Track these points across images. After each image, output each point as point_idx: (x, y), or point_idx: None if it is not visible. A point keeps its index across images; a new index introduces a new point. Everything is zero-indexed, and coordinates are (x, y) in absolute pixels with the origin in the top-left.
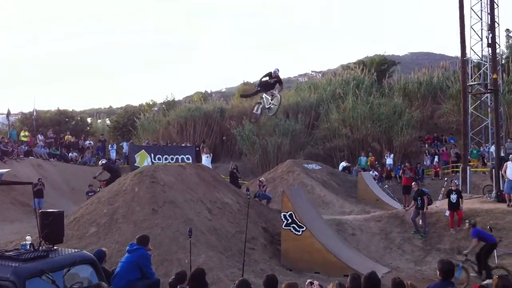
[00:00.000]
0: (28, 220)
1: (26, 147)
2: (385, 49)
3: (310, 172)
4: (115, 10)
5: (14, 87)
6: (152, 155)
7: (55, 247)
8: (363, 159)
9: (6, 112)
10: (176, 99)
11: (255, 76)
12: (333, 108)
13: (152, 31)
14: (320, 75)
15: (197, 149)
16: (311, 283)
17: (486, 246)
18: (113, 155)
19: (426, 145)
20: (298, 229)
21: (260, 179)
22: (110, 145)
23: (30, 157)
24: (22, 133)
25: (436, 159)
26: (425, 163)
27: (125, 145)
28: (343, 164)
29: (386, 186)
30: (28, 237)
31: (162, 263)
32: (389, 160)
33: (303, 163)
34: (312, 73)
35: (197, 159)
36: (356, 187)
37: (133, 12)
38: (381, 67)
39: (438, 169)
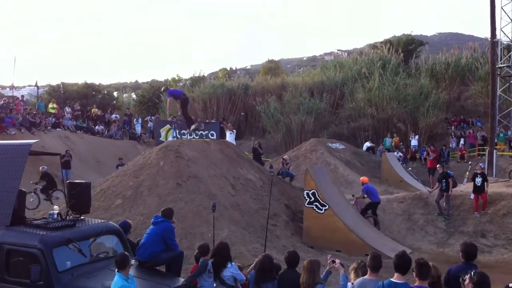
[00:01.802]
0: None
1: (54, 119)
2: (413, 29)
3: (334, 151)
4: None
5: (42, 60)
6: (177, 130)
7: (82, 217)
8: (388, 140)
9: (34, 84)
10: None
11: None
12: (359, 88)
13: (179, 10)
14: (346, 54)
15: (221, 125)
16: (333, 261)
17: None
18: (138, 129)
19: (452, 127)
20: (321, 208)
21: (284, 157)
22: (135, 119)
23: (58, 129)
24: (50, 105)
25: (462, 141)
26: (451, 146)
27: (149, 119)
28: (367, 144)
29: (409, 168)
30: (55, 207)
31: (185, 236)
32: (414, 142)
33: (327, 142)
34: (338, 52)
35: (221, 135)
36: (379, 168)
37: None
38: (408, 47)
39: (464, 152)
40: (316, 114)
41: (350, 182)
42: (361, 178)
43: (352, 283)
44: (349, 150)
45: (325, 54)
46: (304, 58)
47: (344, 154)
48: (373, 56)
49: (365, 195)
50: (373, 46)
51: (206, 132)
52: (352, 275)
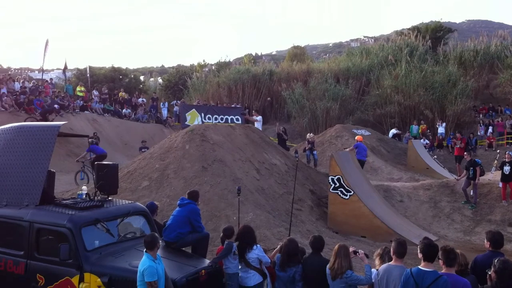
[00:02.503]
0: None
1: (82, 102)
2: (441, 16)
3: None
4: None
5: (70, 43)
6: (203, 114)
7: (109, 198)
8: (414, 127)
9: (63, 67)
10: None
11: (306, 39)
12: (385, 75)
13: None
14: (373, 40)
15: (246, 110)
16: (355, 252)
17: None
18: (164, 113)
19: (481, 115)
20: (346, 193)
21: (309, 135)
22: (162, 103)
23: (86, 112)
24: (78, 88)
25: (490, 129)
26: (478, 134)
27: (174, 103)
28: (393, 131)
29: (435, 156)
30: (84, 187)
31: (211, 218)
32: (441, 129)
33: (352, 128)
34: (364, 38)
35: (246, 120)
36: (405, 155)
37: None
38: (436, 34)
39: (492, 140)
40: (342, 100)
41: (375, 169)
42: (357, 136)
43: (377, 269)
44: (375, 137)
45: (351, 40)
46: (330, 44)
47: (369, 141)
48: (400, 43)
49: (352, 149)
50: (400, 33)
51: (231, 116)
52: (376, 261)
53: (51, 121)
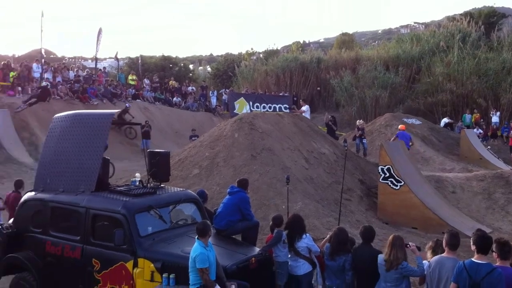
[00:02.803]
0: (136, 159)
1: (134, 91)
2: (495, 1)
3: (410, 126)
4: None
5: (122, 33)
6: (251, 103)
7: (162, 185)
8: (467, 116)
9: (114, 56)
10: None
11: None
12: (437, 62)
13: None
14: (423, 26)
15: (294, 98)
16: (406, 245)
17: None
18: (213, 101)
19: None
20: (396, 184)
21: (359, 121)
22: (210, 92)
23: (137, 100)
24: (130, 77)
25: None
26: None
27: (223, 92)
28: (445, 120)
29: (489, 147)
30: (137, 174)
31: (260, 207)
32: (495, 118)
33: (402, 117)
34: (415, 25)
35: (297, 105)
36: (458, 145)
37: None
38: (489, 19)
39: None
40: (391, 88)
41: (426, 159)
42: (400, 125)
43: (429, 261)
44: (426, 126)
45: (401, 26)
46: (379, 31)
47: (420, 130)
48: (452, 29)
49: (394, 138)
50: (452, 19)
51: (279, 105)
52: (428, 254)
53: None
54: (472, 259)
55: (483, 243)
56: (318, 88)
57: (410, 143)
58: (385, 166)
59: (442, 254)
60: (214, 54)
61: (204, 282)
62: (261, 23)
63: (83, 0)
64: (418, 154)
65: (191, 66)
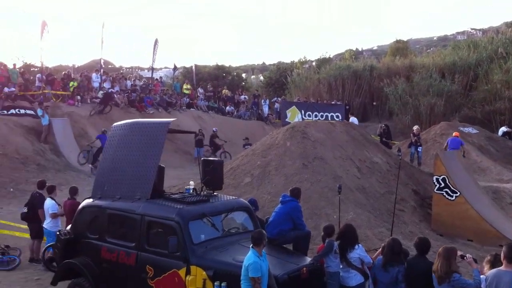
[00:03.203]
0: (190, 167)
1: (188, 99)
2: None
3: (466, 135)
4: None
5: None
6: (303, 111)
7: (215, 193)
8: None
9: (172, 66)
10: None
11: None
12: (495, 69)
13: None
14: (481, 33)
15: (347, 107)
16: (463, 257)
17: None
18: (265, 110)
19: None
20: (451, 194)
21: (415, 127)
22: (263, 100)
23: (191, 109)
24: (184, 86)
25: None
26: None
27: (275, 100)
28: (504, 129)
29: None
30: (191, 182)
31: (311, 216)
32: None
33: (458, 126)
34: (472, 31)
35: (347, 117)
36: None
37: None
38: None
39: None
40: (447, 96)
41: (483, 169)
42: (454, 132)
43: (486, 275)
44: (483, 135)
45: (457, 33)
46: (434, 38)
47: (477, 139)
48: (511, 35)
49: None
50: (511, 24)
51: (332, 114)
52: (486, 268)
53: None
54: None
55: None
56: (375, 103)
57: (462, 150)
58: (440, 176)
59: (500, 268)
60: (267, 63)
61: None
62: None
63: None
64: (474, 164)
65: (243, 75)
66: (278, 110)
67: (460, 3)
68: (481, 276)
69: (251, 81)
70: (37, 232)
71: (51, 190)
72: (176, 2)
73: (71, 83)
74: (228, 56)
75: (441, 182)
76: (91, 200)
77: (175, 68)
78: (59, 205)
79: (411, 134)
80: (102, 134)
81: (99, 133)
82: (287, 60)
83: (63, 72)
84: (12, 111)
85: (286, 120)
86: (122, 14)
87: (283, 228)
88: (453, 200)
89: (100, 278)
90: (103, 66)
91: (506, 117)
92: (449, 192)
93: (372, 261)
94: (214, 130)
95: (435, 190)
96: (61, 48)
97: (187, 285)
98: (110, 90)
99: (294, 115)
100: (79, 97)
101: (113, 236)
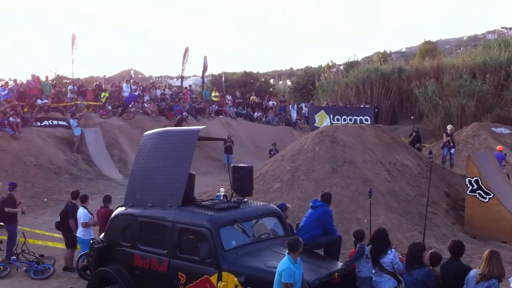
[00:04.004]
0: (219, 174)
1: (217, 107)
2: None
3: (499, 136)
4: None
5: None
6: (331, 115)
7: (245, 199)
8: None
9: (200, 74)
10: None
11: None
12: None
13: None
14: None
15: (376, 110)
16: None
17: None
18: (293, 115)
19: None
20: (485, 196)
21: (449, 126)
22: (290, 106)
23: (220, 116)
24: (213, 93)
25: None
26: None
27: (303, 106)
28: None
29: None
30: (221, 189)
31: (341, 221)
32: None
33: (491, 127)
34: (502, 30)
35: (376, 120)
36: None
37: None
38: None
39: None
40: (478, 96)
41: None
42: (498, 146)
43: None
44: None
45: (488, 32)
46: (464, 38)
47: (510, 140)
48: None
49: None
50: None
51: (360, 117)
52: None
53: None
54: None
55: None
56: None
57: (504, 163)
58: (473, 178)
59: None
60: (294, 68)
61: None
62: (341, 35)
63: (80, 0)
64: (507, 164)
65: (271, 81)
66: (306, 114)
67: (490, 1)
68: None
69: (278, 87)
70: (71, 241)
71: (84, 200)
72: (176, 2)
73: (102, 94)
74: (255, 62)
75: (473, 184)
76: (123, 208)
77: (203, 76)
78: (91, 214)
79: (444, 134)
80: None
81: (130, 142)
82: (314, 65)
83: (94, 83)
84: (45, 122)
85: (315, 125)
86: (123, 14)
87: (314, 233)
88: (486, 202)
89: (133, 285)
90: (133, 76)
91: None
92: (482, 193)
93: (402, 267)
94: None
95: (467, 192)
96: (92, 59)
97: None
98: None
99: (323, 120)
100: (110, 107)
101: (145, 244)
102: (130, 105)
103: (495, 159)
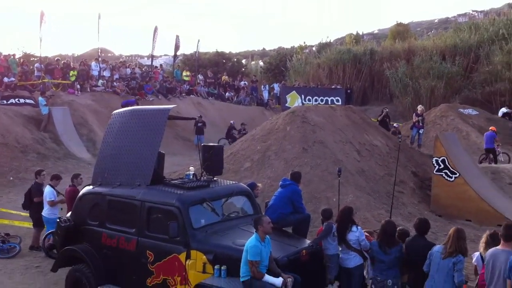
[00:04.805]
0: (189, 154)
1: (188, 86)
2: None
3: (466, 117)
4: None
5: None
6: (303, 96)
7: (215, 178)
8: None
9: (171, 53)
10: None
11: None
12: (496, 50)
13: None
14: (482, 15)
15: (348, 91)
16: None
17: None
18: (265, 95)
19: None
20: (451, 175)
21: (420, 106)
22: (262, 86)
23: (191, 96)
24: (184, 73)
25: None
26: None
27: (275, 86)
28: (503, 110)
29: None
30: (191, 168)
31: (311, 200)
32: None
33: (459, 108)
34: (473, 13)
35: (347, 101)
36: None
37: None
38: None
39: None
40: (447, 78)
41: (483, 150)
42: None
43: (480, 253)
44: (483, 117)
45: (459, 15)
46: (435, 21)
47: (477, 121)
48: None
49: None
50: None
51: (332, 98)
52: (482, 248)
53: None
54: None
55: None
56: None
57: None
58: (440, 158)
59: (497, 247)
60: (267, 49)
61: (252, 274)
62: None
63: (80, 0)
64: (474, 145)
65: (243, 61)
66: (278, 95)
67: None
68: (476, 253)
69: (251, 67)
70: (36, 220)
71: (52, 178)
72: (176, 2)
73: (71, 72)
74: (228, 43)
75: (440, 163)
76: (91, 187)
77: (175, 55)
78: (58, 192)
79: (414, 115)
80: None
81: (98, 121)
82: (287, 45)
83: (62, 61)
84: (12, 100)
85: (286, 105)
86: (123, 14)
87: (283, 211)
88: (452, 181)
89: (101, 264)
90: (102, 54)
91: (506, 98)
92: (449, 173)
93: (368, 246)
94: (232, 122)
95: (434, 171)
96: (60, 38)
97: (187, 269)
98: None
99: (294, 100)
100: (78, 86)
101: (113, 222)
102: None
103: (457, 139)
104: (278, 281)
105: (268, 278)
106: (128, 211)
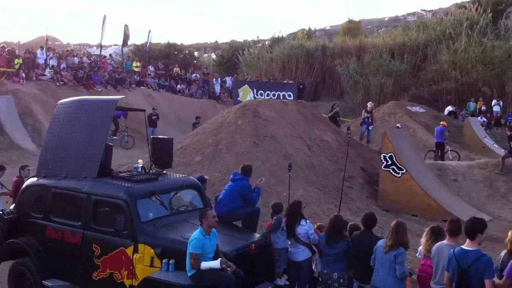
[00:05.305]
0: (139, 146)
1: (138, 77)
2: None
3: (413, 114)
4: None
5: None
6: (255, 90)
7: (164, 172)
8: (472, 104)
9: (121, 43)
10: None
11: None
12: (443, 49)
13: None
14: (431, 14)
15: (300, 86)
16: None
17: None
18: (217, 88)
19: None
20: (398, 171)
21: (370, 103)
22: (214, 79)
23: (141, 87)
24: (134, 64)
25: None
26: None
27: (228, 79)
28: (449, 108)
29: (485, 135)
30: (140, 161)
31: (261, 194)
32: (496, 108)
33: (406, 105)
34: (422, 12)
35: (300, 96)
36: (461, 133)
37: None
38: (498, 7)
39: None
40: (396, 76)
41: (429, 147)
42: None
43: (421, 248)
44: (430, 114)
45: (408, 14)
46: (386, 19)
47: (424, 118)
48: (460, 16)
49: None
50: (461, 6)
51: (284, 92)
52: (423, 243)
53: None
54: (463, 246)
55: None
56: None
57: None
58: (387, 154)
59: (443, 241)
60: (219, 42)
61: (191, 266)
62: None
63: (80, 1)
64: (421, 142)
65: (196, 53)
66: (230, 88)
67: None
68: (419, 248)
69: (203, 60)
70: None
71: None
72: (176, 2)
73: (15, 60)
74: (180, 34)
75: (388, 159)
76: (35, 179)
77: (125, 45)
78: (2, 185)
79: (364, 111)
80: None
81: (44, 111)
82: (240, 39)
83: (7, 49)
84: None
85: (238, 99)
86: (122, 14)
87: (233, 205)
88: (399, 177)
89: (45, 257)
90: (50, 42)
91: (452, 96)
92: (396, 169)
93: (317, 239)
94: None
95: (382, 167)
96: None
97: (134, 263)
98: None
99: (246, 94)
100: (24, 74)
101: (58, 215)
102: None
103: (405, 136)
104: (216, 263)
105: (205, 263)
106: (73, 204)
